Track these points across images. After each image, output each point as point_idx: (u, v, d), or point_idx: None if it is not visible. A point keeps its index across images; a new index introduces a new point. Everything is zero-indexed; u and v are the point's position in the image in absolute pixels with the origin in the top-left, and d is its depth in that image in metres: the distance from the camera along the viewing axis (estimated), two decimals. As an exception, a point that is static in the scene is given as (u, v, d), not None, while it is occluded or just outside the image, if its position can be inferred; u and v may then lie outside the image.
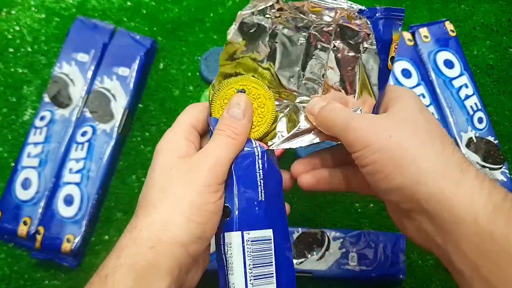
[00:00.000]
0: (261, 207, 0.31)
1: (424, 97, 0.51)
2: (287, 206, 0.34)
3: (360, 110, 0.32)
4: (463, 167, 0.26)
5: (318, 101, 0.32)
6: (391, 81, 0.51)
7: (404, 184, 0.26)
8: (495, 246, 0.23)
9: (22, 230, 0.48)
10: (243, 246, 0.30)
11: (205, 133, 0.34)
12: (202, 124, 0.33)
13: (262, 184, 0.31)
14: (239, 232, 0.30)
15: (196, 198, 0.28)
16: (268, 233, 0.31)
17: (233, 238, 0.30)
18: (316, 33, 0.33)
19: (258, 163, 0.31)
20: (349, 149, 0.29)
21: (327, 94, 0.33)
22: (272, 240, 0.31)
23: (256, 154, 0.31)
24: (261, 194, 0.31)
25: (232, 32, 0.33)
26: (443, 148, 0.26)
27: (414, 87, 0.51)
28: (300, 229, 0.48)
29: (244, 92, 0.33)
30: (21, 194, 0.49)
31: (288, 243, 0.32)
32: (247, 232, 0.30)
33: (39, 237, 0.47)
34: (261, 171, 0.31)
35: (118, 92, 0.52)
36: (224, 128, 0.31)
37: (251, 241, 0.30)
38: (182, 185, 0.28)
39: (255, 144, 0.32)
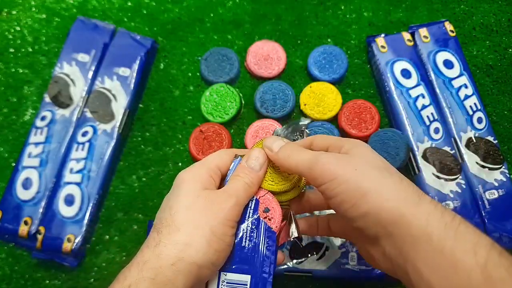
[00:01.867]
0: (243, 252, 0.33)
1: (423, 97, 0.51)
2: (280, 255, 0.36)
3: None
4: (419, 194, 0.29)
5: (275, 139, 0.36)
6: (391, 82, 0.52)
7: (370, 211, 0.29)
8: (445, 260, 0.26)
9: (23, 230, 0.48)
10: (218, 286, 0.32)
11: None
12: (227, 167, 0.36)
13: (248, 231, 0.33)
14: (217, 272, 0.32)
15: (218, 227, 0.31)
16: (246, 278, 0.32)
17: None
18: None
19: (250, 210, 0.34)
20: (315, 183, 0.31)
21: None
22: (249, 287, 0.32)
23: (251, 199, 0.34)
24: (246, 241, 0.33)
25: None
26: (400, 180, 0.30)
27: (413, 87, 0.51)
28: (300, 229, 0.48)
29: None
30: (22, 194, 0.49)
31: None
32: (224, 273, 0.32)
33: (39, 237, 0.47)
34: (250, 218, 0.34)
35: (118, 92, 0.52)
36: (243, 175, 0.34)
37: (226, 283, 0.32)
38: (206, 213, 0.31)
39: (255, 196, 0.35)
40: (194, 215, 0.31)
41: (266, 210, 0.35)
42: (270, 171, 0.37)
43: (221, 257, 0.31)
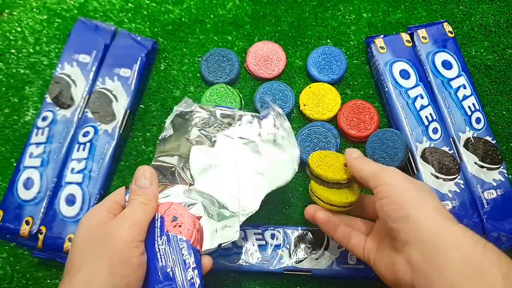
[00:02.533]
0: (165, 271, 0.33)
1: (422, 97, 0.51)
2: (208, 260, 0.37)
3: None
4: (452, 216, 0.33)
5: (355, 150, 0.41)
6: (390, 83, 0.52)
7: (413, 216, 0.32)
8: (471, 267, 0.29)
9: (24, 229, 0.48)
10: None
11: None
12: (125, 203, 0.37)
13: (162, 249, 0.34)
14: None
15: (117, 253, 0.31)
16: None
17: None
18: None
19: (157, 229, 0.35)
20: (375, 184, 0.36)
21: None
22: None
23: (156, 219, 0.36)
24: (163, 259, 0.34)
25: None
26: (438, 205, 0.34)
27: (412, 87, 0.52)
28: (300, 228, 0.48)
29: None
30: (23, 194, 0.49)
31: None
32: None
33: (41, 237, 0.48)
34: (159, 236, 0.35)
35: (119, 92, 0.53)
36: (136, 196, 0.36)
37: None
38: (101, 245, 0.31)
39: (159, 214, 0.36)
40: (89, 251, 0.31)
41: (174, 219, 0.36)
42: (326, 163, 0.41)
43: (132, 281, 0.31)
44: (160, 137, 0.44)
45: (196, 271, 0.34)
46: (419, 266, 0.31)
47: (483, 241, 0.31)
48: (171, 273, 0.33)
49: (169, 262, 0.33)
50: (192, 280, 0.33)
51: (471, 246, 0.30)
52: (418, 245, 0.32)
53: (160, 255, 0.34)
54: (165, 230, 0.35)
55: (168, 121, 0.45)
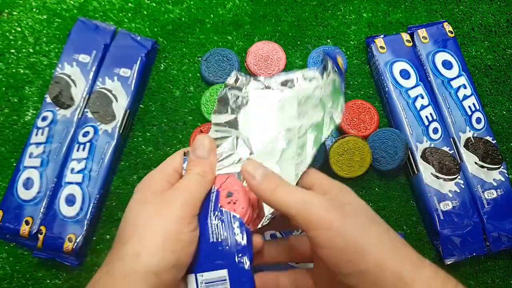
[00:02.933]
0: (215, 247, 0.31)
1: (422, 97, 0.51)
2: (259, 240, 0.34)
3: None
4: (418, 255, 0.28)
5: (257, 165, 0.32)
6: (390, 83, 0.52)
7: (368, 270, 0.27)
8: None
9: (24, 229, 0.48)
10: None
11: None
12: (182, 170, 0.35)
13: (214, 225, 0.32)
14: (193, 275, 0.31)
15: (170, 228, 0.29)
16: (223, 273, 0.31)
17: (188, 281, 0.31)
18: None
19: (211, 204, 0.33)
20: (305, 227, 0.29)
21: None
22: (228, 281, 0.31)
23: (212, 192, 0.34)
24: (214, 235, 0.32)
25: None
26: (396, 236, 0.29)
27: (412, 87, 0.52)
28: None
29: None
30: (23, 194, 0.49)
31: (249, 280, 0.31)
32: (201, 274, 0.31)
33: (41, 237, 0.47)
34: (213, 211, 0.33)
35: (119, 92, 0.53)
36: (192, 167, 0.33)
37: (205, 283, 0.31)
38: (155, 217, 0.30)
39: (215, 187, 0.34)
40: (143, 222, 0.30)
41: (229, 195, 0.33)
42: None
43: (182, 257, 0.29)
44: (213, 110, 0.41)
45: (247, 253, 0.31)
46: None
47: (453, 281, 0.27)
48: (222, 251, 0.31)
49: (221, 239, 0.32)
50: (241, 262, 0.31)
51: None
52: None
53: (212, 231, 0.32)
54: (219, 206, 0.33)
55: (220, 95, 0.41)
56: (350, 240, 0.27)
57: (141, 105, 0.56)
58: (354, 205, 0.30)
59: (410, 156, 0.50)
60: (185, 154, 0.35)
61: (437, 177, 0.48)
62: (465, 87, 0.52)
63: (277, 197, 0.30)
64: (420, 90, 0.52)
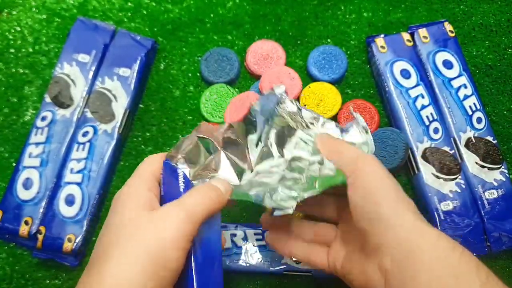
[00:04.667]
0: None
1: (423, 97, 0.51)
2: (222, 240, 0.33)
3: None
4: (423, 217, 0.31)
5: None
6: (390, 82, 0.52)
7: (388, 214, 0.29)
8: (448, 270, 0.27)
9: (23, 230, 0.48)
10: None
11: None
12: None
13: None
14: None
15: (156, 254, 0.26)
16: None
17: None
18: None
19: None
20: (351, 169, 0.32)
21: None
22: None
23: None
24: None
25: None
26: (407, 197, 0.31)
27: (413, 87, 0.51)
28: (300, 228, 0.48)
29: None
30: (23, 194, 0.49)
31: None
32: None
33: (40, 237, 0.47)
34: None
35: (119, 92, 0.53)
36: (209, 185, 0.31)
37: None
38: (140, 238, 0.26)
39: None
40: (125, 241, 0.26)
41: None
42: None
43: (164, 284, 0.26)
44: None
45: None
46: (393, 273, 0.28)
47: (460, 247, 0.29)
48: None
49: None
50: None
51: (448, 252, 0.28)
52: (391, 250, 0.29)
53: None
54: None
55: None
56: (380, 187, 0.30)
57: (140, 105, 0.55)
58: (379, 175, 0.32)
59: (411, 156, 0.50)
60: (167, 157, 0.32)
61: (438, 177, 0.48)
62: (465, 87, 0.52)
63: (343, 149, 0.34)
64: (420, 89, 0.51)
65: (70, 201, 0.48)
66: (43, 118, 0.52)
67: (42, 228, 0.48)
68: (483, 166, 0.49)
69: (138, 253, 0.26)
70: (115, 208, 0.29)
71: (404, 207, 0.30)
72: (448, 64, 0.53)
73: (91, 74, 0.53)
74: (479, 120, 0.51)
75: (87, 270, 0.27)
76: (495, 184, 0.48)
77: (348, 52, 0.57)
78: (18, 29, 0.58)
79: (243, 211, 0.50)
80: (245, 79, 0.56)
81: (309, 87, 0.53)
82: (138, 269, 0.25)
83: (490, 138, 0.50)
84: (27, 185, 0.49)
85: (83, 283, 0.26)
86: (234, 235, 0.48)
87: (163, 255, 0.26)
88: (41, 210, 0.49)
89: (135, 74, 0.53)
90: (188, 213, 0.27)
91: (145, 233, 0.26)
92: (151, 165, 0.32)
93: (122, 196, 0.30)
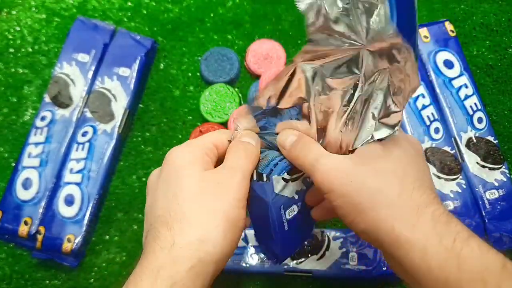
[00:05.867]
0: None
1: (424, 97, 0.51)
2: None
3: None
4: (419, 210, 0.25)
5: (288, 134, 0.31)
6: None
7: (368, 230, 0.26)
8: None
9: (23, 230, 0.48)
10: None
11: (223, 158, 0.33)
12: (223, 147, 0.32)
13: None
14: None
15: (230, 213, 0.27)
16: None
17: None
18: None
19: None
20: (319, 191, 0.29)
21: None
22: None
23: None
24: None
25: None
26: (401, 190, 0.26)
27: (414, 87, 0.51)
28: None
29: None
30: (22, 194, 0.49)
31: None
32: None
33: (39, 237, 0.47)
34: None
35: (118, 92, 0.52)
36: (244, 138, 0.31)
37: None
38: (215, 199, 0.27)
39: None
40: (203, 203, 0.27)
41: None
42: None
43: (235, 245, 0.28)
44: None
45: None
46: (404, 275, 0.27)
47: (456, 246, 0.24)
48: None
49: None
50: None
51: (442, 264, 0.24)
52: (390, 258, 0.27)
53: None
54: None
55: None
56: (350, 202, 0.27)
57: (140, 105, 0.55)
58: (363, 158, 0.28)
59: (411, 156, 0.50)
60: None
61: (439, 177, 0.48)
62: (466, 87, 0.51)
63: (300, 162, 0.30)
64: (421, 89, 0.51)
65: (69, 201, 0.48)
66: (43, 118, 0.52)
67: (42, 228, 0.48)
68: (484, 166, 0.49)
69: (218, 216, 0.27)
70: (180, 171, 0.28)
71: (390, 208, 0.26)
72: (448, 64, 0.52)
73: (90, 74, 0.53)
74: (480, 120, 0.50)
75: (169, 229, 0.26)
76: (496, 184, 0.48)
77: (349, 52, 0.57)
78: (18, 28, 0.58)
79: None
80: (245, 78, 0.56)
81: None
82: (221, 232, 0.26)
83: (491, 138, 0.50)
84: (26, 185, 0.49)
85: (165, 237, 0.26)
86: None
87: (236, 215, 0.27)
88: (40, 210, 0.49)
89: (134, 74, 0.53)
90: (244, 173, 0.29)
91: (217, 196, 0.27)
92: (215, 134, 0.32)
93: (184, 159, 0.29)
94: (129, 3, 0.59)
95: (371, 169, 0.27)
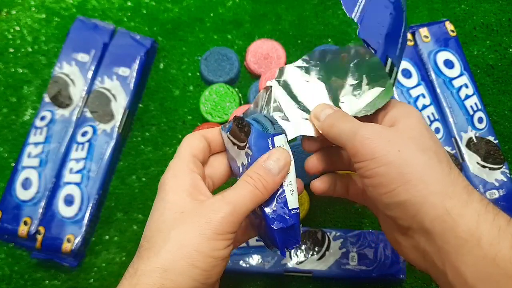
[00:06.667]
0: None
1: (424, 97, 0.51)
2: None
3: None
4: (468, 190, 0.26)
5: (324, 107, 0.32)
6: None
7: (410, 202, 0.26)
8: (498, 269, 0.23)
9: (23, 230, 0.48)
10: None
11: (206, 161, 0.33)
12: (202, 153, 0.32)
13: None
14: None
15: (203, 245, 0.26)
16: None
17: None
18: None
19: None
20: (353, 158, 0.28)
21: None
22: None
23: None
24: None
25: None
26: (450, 169, 0.26)
27: (414, 87, 0.51)
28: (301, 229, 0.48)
29: None
30: (22, 194, 0.49)
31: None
32: None
33: (39, 237, 0.47)
34: None
35: (118, 92, 0.52)
36: (255, 177, 0.29)
37: None
38: (190, 230, 0.27)
39: None
40: (175, 234, 0.27)
41: None
42: None
43: (213, 274, 0.27)
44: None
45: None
46: (431, 256, 0.26)
47: (506, 218, 0.24)
48: None
49: None
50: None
51: (494, 240, 0.23)
52: (424, 234, 0.26)
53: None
54: None
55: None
56: (394, 171, 0.26)
57: (140, 105, 0.55)
58: (410, 132, 0.27)
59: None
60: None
61: (439, 177, 0.48)
62: (466, 87, 0.51)
63: (334, 131, 0.29)
64: (421, 89, 0.51)
65: (69, 201, 0.48)
66: (42, 118, 0.52)
67: (41, 229, 0.47)
68: (484, 166, 0.49)
69: (187, 247, 0.26)
70: (165, 196, 0.29)
71: (432, 186, 0.25)
72: (449, 64, 0.52)
73: (90, 73, 0.53)
74: (480, 120, 0.50)
75: (138, 253, 0.28)
76: (496, 184, 0.48)
77: (349, 52, 0.57)
78: (17, 28, 0.58)
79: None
80: (245, 78, 0.56)
81: (310, 86, 0.53)
82: (188, 263, 0.26)
83: (491, 138, 0.50)
84: (26, 185, 0.49)
85: (132, 265, 0.27)
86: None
87: (210, 247, 0.27)
88: (40, 210, 0.49)
89: (134, 74, 0.53)
90: (234, 207, 0.27)
91: (193, 227, 0.27)
92: (189, 145, 0.31)
93: (166, 181, 0.30)
94: (129, 3, 0.59)
95: (419, 145, 0.27)
